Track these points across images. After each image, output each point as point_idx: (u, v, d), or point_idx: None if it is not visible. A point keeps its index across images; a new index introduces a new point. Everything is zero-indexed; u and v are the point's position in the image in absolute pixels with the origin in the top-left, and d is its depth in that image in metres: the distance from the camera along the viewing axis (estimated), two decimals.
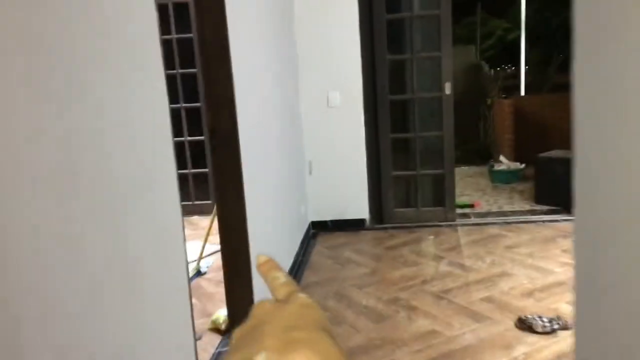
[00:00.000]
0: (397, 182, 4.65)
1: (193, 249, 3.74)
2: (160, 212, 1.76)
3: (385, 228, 4.58)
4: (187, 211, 5.10)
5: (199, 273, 3.74)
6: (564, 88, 6.95)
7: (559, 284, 3.31)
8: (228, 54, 2.46)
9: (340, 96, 4.43)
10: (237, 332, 0.43)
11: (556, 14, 9.81)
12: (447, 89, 4.41)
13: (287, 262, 3.58)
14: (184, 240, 1.95)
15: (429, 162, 4.66)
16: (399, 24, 4.52)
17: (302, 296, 0.45)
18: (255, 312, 0.44)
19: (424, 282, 3.46)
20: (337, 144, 4.52)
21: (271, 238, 3.21)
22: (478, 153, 6.99)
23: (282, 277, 0.49)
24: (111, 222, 1.45)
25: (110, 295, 1.44)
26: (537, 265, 3.61)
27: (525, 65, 8.64)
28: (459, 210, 4.72)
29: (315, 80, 4.42)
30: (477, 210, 4.94)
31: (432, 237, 4.32)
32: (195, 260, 3.76)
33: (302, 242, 4.12)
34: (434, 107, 4.52)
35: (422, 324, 2.92)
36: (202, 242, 3.77)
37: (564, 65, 9.16)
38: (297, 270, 3.71)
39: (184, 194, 5.08)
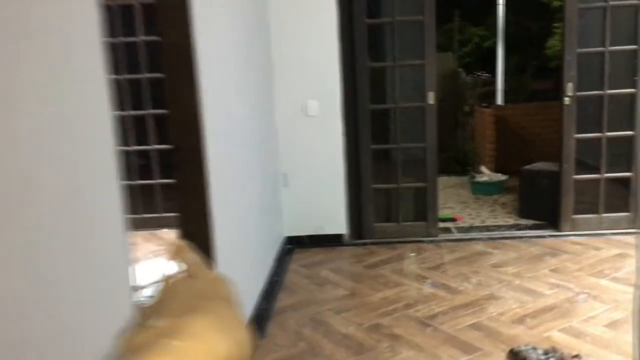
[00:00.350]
0: (377, 195, 4.42)
1: (159, 267, 3.44)
2: (93, 231, 1.49)
3: (365, 244, 4.34)
4: (154, 224, 4.82)
5: None
6: (539, 95, 6.81)
7: (550, 308, 3.11)
8: (193, 60, 2.19)
9: (318, 105, 4.18)
10: (148, 306, 0.67)
11: (533, 21, 9.76)
12: (431, 98, 4.20)
13: (259, 283, 3.31)
14: (129, 263, 1.67)
15: (411, 174, 4.44)
16: (380, 29, 4.30)
17: (211, 272, 0.74)
18: (167, 287, 0.66)
19: (407, 306, 3.23)
20: (314, 154, 4.27)
21: (242, 258, 2.94)
22: (457, 162, 6.82)
23: (195, 258, 0.70)
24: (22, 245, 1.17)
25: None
26: (525, 287, 3.41)
27: (506, 73, 8.54)
28: (440, 224, 4.51)
29: (292, 88, 4.17)
30: (460, 224, 4.74)
31: (413, 254, 4.09)
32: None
33: (277, 260, 3.86)
34: (416, 117, 4.31)
35: (407, 355, 2.68)
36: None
37: (539, 73, 9.13)
38: (270, 292, 3.44)
39: (151, 206, 4.80)
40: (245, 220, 3.05)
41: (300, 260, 4.08)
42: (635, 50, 4.10)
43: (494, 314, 3.08)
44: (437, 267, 3.81)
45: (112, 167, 1.55)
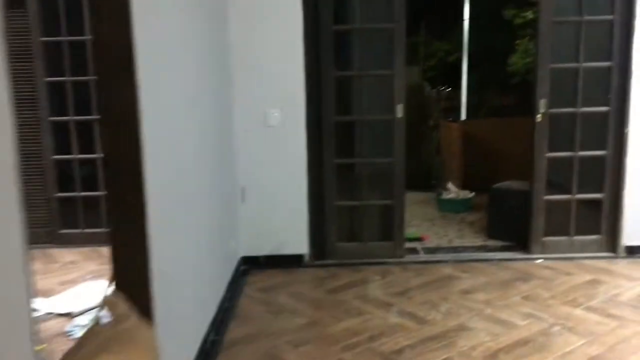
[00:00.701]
0: (341, 213, 4.15)
1: (95, 290, 3.08)
2: None
3: (327, 265, 4.05)
4: (98, 240, 4.37)
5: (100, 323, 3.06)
6: (502, 111, 6.67)
7: (525, 342, 2.88)
8: (131, 58, 1.86)
9: (279, 114, 3.88)
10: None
11: (497, 37, 9.72)
12: (399, 111, 3.96)
13: (208, 311, 2.97)
14: (29, 289, 1.34)
15: (377, 191, 4.19)
16: (348, 37, 4.04)
17: (134, 319, 0.93)
18: (86, 336, 0.86)
19: (372, 338, 2.94)
20: (274, 168, 3.97)
21: (187, 284, 2.60)
22: (422, 177, 6.61)
23: (123, 305, 0.95)
24: None
25: None
26: (497, 317, 3.17)
27: (469, 87, 8.47)
28: (407, 244, 4.26)
29: (253, 96, 3.86)
30: (427, 244, 4.51)
31: (378, 278, 3.82)
32: (96, 307, 3.08)
33: (230, 284, 3.52)
34: (384, 131, 4.06)
35: None
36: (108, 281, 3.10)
37: (502, 88, 9.10)
38: (221, 321, 3.10)
39: (96, 220, 4.37)
40: (193, 241, 2.71)
41: (256, 283, 3.75)
42: (608, 67, 3.96)
43: (465, 348, 2.82)
44: (403, 293, 3.54)
45: (8, 177, 1.22)
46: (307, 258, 4.05)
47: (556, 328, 3.03)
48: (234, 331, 3.06)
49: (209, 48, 3.20)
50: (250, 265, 3.98)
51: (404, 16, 3.87)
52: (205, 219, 2.98)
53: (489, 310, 3.27)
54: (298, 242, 4.03)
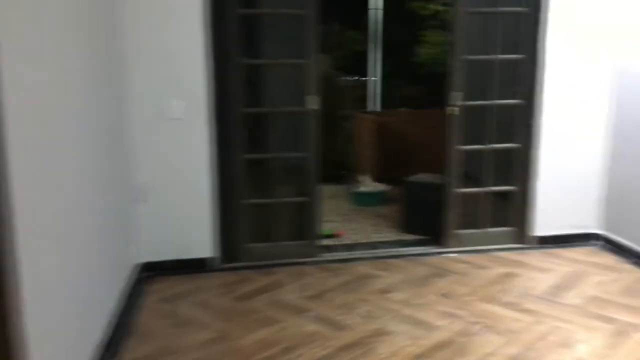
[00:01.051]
0: (252, 211, 3.87)
1: None
2: None
3: (237, 268, 3.76)
4: None
5: None
6: (411, 102, 6.65)
7: (446, 344, 2.76)
8: None
9: (183, 106, 3.53)
10: None
11: (406, 28, 9.78)
12: (312, 102, 3.73)
13: (96, 331, 2.59)
14: None
15: (291, 187, 3.95)
16: (258, 22, 3.75)
17: None
18: None
19: (287, 350, 2.71)
20: (178, 164, 3.61)
21: (66, 301, 2.22)
22: (336, 170, 6.46)
23: None
24: None
25: None
26: (416, 318, 3.05)
27: (381, 78, 8.43)
28: (322, 242, 4.06)
29: (150, 86, 3.47)
30: (344, 240, 4.34)
31: (292, 280, 3.59)
32: None
33: (128, 296, 3.14)
34: (297, 123, 3.82)
35: None
36: None
37: (411, 79, 9.18)
38: (116, 340, 2.73)
39: None
40: (77, 252, 2.33)
41: (159, 292, 3.39)
42: (518, 60, 3.96)
43: (384, 356, 2.66)
44: (319, 296, 3.34)
45: None
46: (215, 261, 3.74)
47: (476, 327, 2.95)
48: (133, 350, 2.70)
49: (95, 32, 2.79)
50: (153, 272, 3.61)
51: (317, 2, 3.63)
52: (93, 226, 2.59)
53: (407, 311, 3.14)
54: (205, 245, 3.71)
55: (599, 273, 3.67)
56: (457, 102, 3.91)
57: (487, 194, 4.15)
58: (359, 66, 8.58)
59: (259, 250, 3.87)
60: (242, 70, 3.67)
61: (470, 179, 4.14)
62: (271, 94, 3.87)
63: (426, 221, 4.34)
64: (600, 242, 4.14)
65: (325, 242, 4.15)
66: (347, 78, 8.15)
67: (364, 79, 8.26)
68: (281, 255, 3.86)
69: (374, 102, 8.30)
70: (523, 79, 3.98)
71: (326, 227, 4.32)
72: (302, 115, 3.77)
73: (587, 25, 3.89)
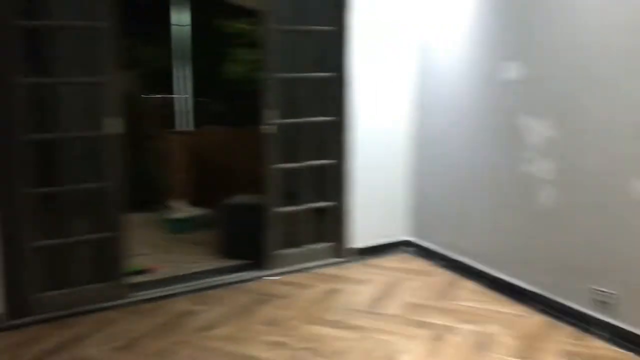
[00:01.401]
0: (43, 255, 3.27)
1: None
2: None
3: (28, 324, 3.14)
4: None
5: None
6: (221, 121, 6.44)
7: None
8: None
9: None
10: None
11: (214, 45, 9.60)
12: (112, 124, 3.30)
13: None
14: None
15: (91, 221, 3.44)
16: (44, 36, 3.20)
17: None
18: None
19: None
20: None
21: None
22: (146, 196, 5.94)
23: None
24: None
25: None
26: (242, 354, 2.81)
27: (192, 95, 8.12)
28: (130, 280, 3.61)
29: None
30: (156, 276, 3.93)
31: (94, 331, 3.10)
32: None
33: None
34: (94, 150, 3.34)
35: None
36: None
37: (221, 97, 9.03)
38: None
39: None
40: None
41: None
42: (330, 78, 3.99)
43: None
44: (128, 346, 2.91)
45: None
46: (1, 318, 3.08)
47: (302, 354, 2.81)
48: None
49: None
50: None
51: (116, 15, 3.22)
52: None
53: (232, 347, 2.89)
54: None
55: (413, 278, 3.82)
56: (272, 120, 3.80)
57: (306, 211, 4.10)
58: (165, 84, 8.16)
59: (54, 299, 3.29)
60: (26, 90, 3.10)
61: (290, 197, 4.05)
62: (65, 117, 3.34)
63: (246, 245, 4.14)
64: (412, 249, 4.35)
65: (135, 279, 3.70)
66: (153, 96, 7.65)
67: (170, 96, 7.86)
68: (82, 302, 3.33)
69: (186, 120, 7.94)
70: (332, 96, 4.02)
71: (135, 262, 3.87)
72: (101, 139, 3.31)
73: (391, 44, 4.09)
